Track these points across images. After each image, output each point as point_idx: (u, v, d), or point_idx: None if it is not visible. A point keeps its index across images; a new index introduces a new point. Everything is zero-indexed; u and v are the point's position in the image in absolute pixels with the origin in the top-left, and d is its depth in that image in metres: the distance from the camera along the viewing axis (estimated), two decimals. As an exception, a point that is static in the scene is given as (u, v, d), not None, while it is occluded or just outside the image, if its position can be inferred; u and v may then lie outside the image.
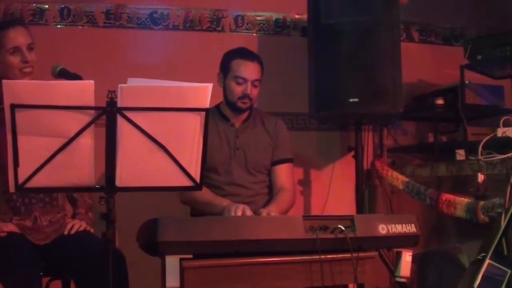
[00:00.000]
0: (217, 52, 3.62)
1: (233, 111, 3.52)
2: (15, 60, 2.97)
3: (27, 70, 2.99)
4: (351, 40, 3.94)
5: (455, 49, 4.85)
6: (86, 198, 3.26)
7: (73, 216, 3.21)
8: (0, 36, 2.98)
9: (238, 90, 3.43)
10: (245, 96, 3.43)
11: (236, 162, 3.49)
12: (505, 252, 3.10)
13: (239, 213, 3.01)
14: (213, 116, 3.51)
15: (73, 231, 3.05)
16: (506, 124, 3.73)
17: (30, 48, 3.02)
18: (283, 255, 2.56)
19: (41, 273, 2.89)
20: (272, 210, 3.20)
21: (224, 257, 2.48)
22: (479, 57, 4.02)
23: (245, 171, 3.51)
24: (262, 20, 4.53)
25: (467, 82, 4.10)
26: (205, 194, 3.33)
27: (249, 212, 3.06)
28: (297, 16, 4.60)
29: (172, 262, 2.39)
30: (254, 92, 3.45)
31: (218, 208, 3.21)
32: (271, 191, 3.61)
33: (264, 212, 3.16)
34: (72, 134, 2.18)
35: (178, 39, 4.31)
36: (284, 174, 3.57)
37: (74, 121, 2.19)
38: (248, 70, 3.43)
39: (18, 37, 2.99)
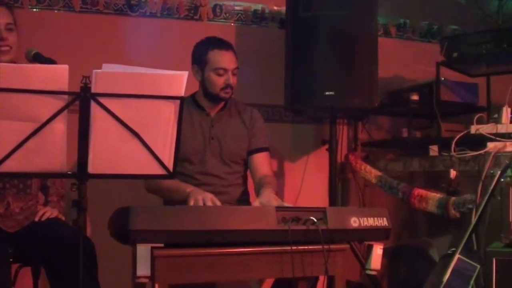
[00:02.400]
0: (194, 41, 3.59)
1: (212, 102, 3.49)
2: None
3: (3, 49, 2.95)
4: (329, 33, 3.95)
5: (432, 46, 4.88)
6: (59, 187, 3.24)
7: (45, 204, 3.18)
8: None
9: (220, 81, 3.39)
10: (227, 86, 3.40)
11: (210, 151, 3.47)
12: (475, 248, 3.14)
13: (209, 203, 2.98)
14: (188, 105, 3.48)
15: (44, 218, 3.03)
16: (479, 122, 3.76)
17: (9, 28, 2.98)
18: (255, 246, 2.56)
19: (11, 260, 2.86)
20: (272, 196, 3.11)
21: (196, 246, 2.47)
22: (455, 54, 4.04)
23: (219, 161, 3.49)
24: (240, 10, 4.52)
25: (443, 79, 4.12)
26: (170, 181, 3.31)
27: (218, 202, 3.04)
28: (275, 8, 4.59)
29: (143, 251, 2.38)
30: (234, 81, 3.43)
31: (181, 194, 3.16)
32: (245, 182, 3.61)
33: (264, 199, 3.08)
34: (44, 119, 2.16)
35: (155, 27, 4.27)
36: (264, 162, 3.55)
37: (47, 106, 2.16)
38: (227, 59, 3.40)
39: None
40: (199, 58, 3.45)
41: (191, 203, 2.99)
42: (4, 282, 2.73)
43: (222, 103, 3.53)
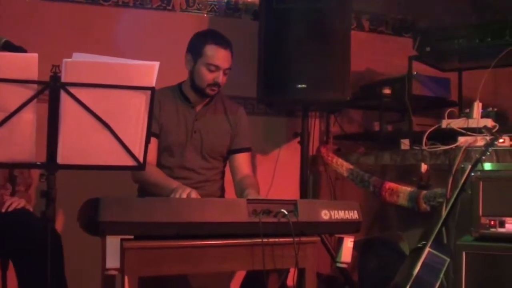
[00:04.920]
0: (166, 31, 3.57)
1: (198, 95, 3.45)
2: None
3: None
4: (302, 26, 3.95)
5: (405, 40, 4.90)
6: (26, 176, 3.20)
7: (12, 194, 3.15)
8: None
9: (209, 77, 3.34)
10: (215, 84, 3.35)
11: (191, 145, 3.44)
12: (445, 241, 3.16)
13: (184, 196, 2.96)
14: (174, 95, 3.46)
15: (10, 209, 2.99)
16: (450, 116, 3.78)
17: None
18: (225, 238, 2.55)
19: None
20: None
21: (166, 239, 2.46)
22: (428, 49, 4.07)
23: (199, 156, 3.46)
24: (214, 1, 4.50)
25: (415, 73, 4.14)
26: (156, 175, 3.29)
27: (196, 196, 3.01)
28: (249, -1, 4.59)
29: (112, 243, 2.35)
30: (224, 80, 3.38)
31: (166, 190, 3.13)
32: (222, 178, 3.61)
33: (252, 192, 3.10)
34: (13, 108, 2.12)
35: (127, 17, 4.23)
36: (246, 162, 3.54)
37: (16, 95, 2.12)
38: (222, 58, 3.34)
39: None
40: (195, 48, 3.39)
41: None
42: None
43: (209, 97, 3.49)
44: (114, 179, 3.37)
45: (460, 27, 3.97)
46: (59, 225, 3.51)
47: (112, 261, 2.35)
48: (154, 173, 3.28)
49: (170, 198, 2.89)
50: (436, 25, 4.44)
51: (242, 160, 3.54)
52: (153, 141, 3.33)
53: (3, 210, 2.98)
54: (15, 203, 3.02)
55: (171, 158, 3.43)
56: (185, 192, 2.97)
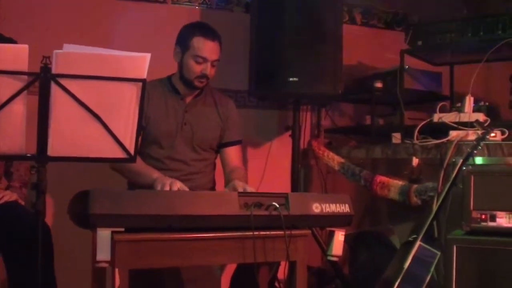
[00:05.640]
0: (157, 24, 3.56)
1: (187, 88, 3.44)
2: None
3: None
4: (294, 19, 3.94)
5: (397, 33, 4.91)
6: (22, 173, 3.19)
7: (7, 189, 3.14)
8: None
9: (196, 69, 3.33)
10: (203, 76, 3.35)
11: (181, 137, 3.43)
12: (436, 235, 3.17)
13: (167, 188, 2.93)
14: (163, 87, 3.46)
15: (2, 201, 2.98)
16: (442, 110, 3.78)
17: None
18: (216, 231, 2.55)
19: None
20: (238, 184, 3.09)
21: (157, 231, 2.45)
22: (420, 42, 4.06)
23: (189, 148, 3.45)
24: (205, -6, 4.49)
25: (407, 67, 4.14)
26: (136, 163, 3.28)
27: (185, 189, 2.99)
28: (241, -8, 4.58)
29: (103, 235, 2.35)
30: (212, 72, 3.38)
31: (147, 179, 3.13)
32: (213, 170, 3.61)
33: (240, 188, 3.06)
34: (3, 100, 2.11)
35: (118, 8, 4.21)
36: (236, 155, 3.55)
37: (6, 87, 2.11)
38: (209, 49, 3.33)
39: None
40: (183, 40, 3.39)
41: (159, 188, 2.95)
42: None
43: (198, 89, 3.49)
44: (105, 171, 3.36)
45: (452, 21, 3.97)
46: (49, 217, 3.50)
47: (103, 253, 2.35)
48: None
49: (161, 191, 2.88)
50: (428, 19, 4.45)
51: (232, 153, 3.55)
52: None
53: (-5, 203, 2.98)
54: (7, 196, 3.01)
55: (160, 150, 3.43)
56: (167, 184, 2.96)
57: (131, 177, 3.32)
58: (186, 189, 2.98)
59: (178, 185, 2.95)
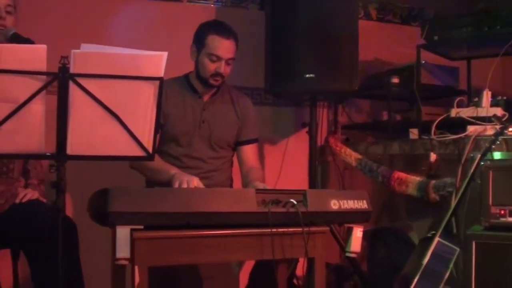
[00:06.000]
0: (174, 22, 3.57)
1: (204, 86, 3.46)
2: None
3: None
4: (309, 15, 3.93)
5: (412, 28, 4.90)
6: (39, 171, 3.22)
7: (26, 187, 3.16)
8: None
9: (211, 67, 3.35)
10: (218, 74, 3.36)
11: (199, 135, 3.45)
12: (455, 231, 3.16)
13: (185, 185, 2.94)
14: (180, 86, 3.47)
15: (25, 200, 3.00)
16: (459, 105, 3.77)
17: (8, 11, 2.92)
18: (234, 228, 2.55)
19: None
20: (267, 187, 3.10)
21: (176, 228, 2.46)
22: (436, 37, 4.05)
23: (207, 146, 3.47)
24: (220, -8, 4.50)
25: (423, 62, 4.13)
26: (154, 161, 3.28)
27: (202, 186, 3.00)
28: (255, -11, 4.58)
29: (122, 233, 2.36)
30: (227, 70, 3.39)
31: (165, 176, 3.15)
32: (230, 167, 3.62)
33: (260, 185, 3.08)
34: (22, 99, 2.12)
35: (135, 8, 4.23)
36: (253, 154, 3.57)
37: (25, 87, 2.12)
38: (224, 48, 3.34)
39: None
40: (198, 39, 3.41)
41: (176, 185, 2.97)
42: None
43: (216, 88, 3.50)
44: (123, 169, 3.38)
45: (469, 15, 3.95)
46: (69, 215, 3.52)
47: (122, 251, 2.36)
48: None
49: (179, 188, 2.88)
50: (444, 13, 4.43)
51: (249, 151, 3.56)
52: None
53: (17, 201, 2.99)
54: (29, 194, 3.03)
55: (178, 147, 3.44)
56: (185, 181, 2.97)
57: (150, 174, 3.34)
58: (202, 185, 3.00)
59: (195, 182, 2.96)
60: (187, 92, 3.48)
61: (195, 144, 3.45)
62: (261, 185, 3.11)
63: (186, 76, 3.52)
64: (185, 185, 2.94)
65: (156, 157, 3.23)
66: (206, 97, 3.49)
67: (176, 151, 3.44)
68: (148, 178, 3.38)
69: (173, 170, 3.17)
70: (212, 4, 4.47)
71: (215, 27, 3.41)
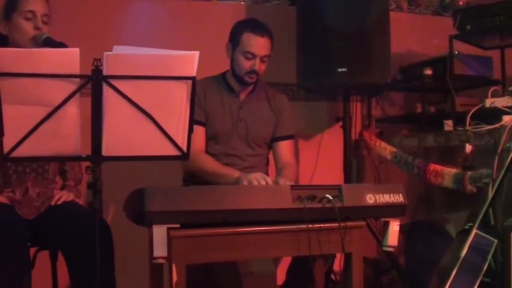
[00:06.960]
0: (204, 21, 3.58)
1: (240, 84, 3.48)
2: (28, 26, 2.88)
3: None
4: (340, 9, 3.92)
5: (444, 19, 4.84)
6: (77, 172, 3.24)
7: (62, 188, 3.19)
8: None
9: (246, 65, 3.37)
10: (252, 71, 3.38)
11: (237, 133, 3.48)
12: (492, 222, 3.12)
13: (263, 182, 2.95)
14: (218, 85, 3.50)
15: (60, 201, 3.03)
16: (494, 95, 3.73)
17: (44, 21, 2.94)
18: (270, 225, 2.56)
19: (29, 244, 2.87)
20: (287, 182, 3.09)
21: (212, 226, 2.47)
22: (468, 27, 4.00)
23: (244, 143, 3.50)
24: (250, -12, 4.50)
25: (456, 52, 4.09)
26: (212, 164, 3.32)
27: (269, 180, 3.00)
28: (286, -15, 4.57)
29: (159, 232, 2.38)
30: (262, 68, 3.41)
31: (229, 179, 3.16)
32: (267, 164, 3.64)
33: (281, 181, 3.08)
34: (57, 102, 2.15)
35: (165, 7, 4.25)
36: (287, 150, 3.57)
37: (59, 90, 2.15)
38: (258, 45, 3.37)
39: (35, 2, 2.92)
40: (233, 37, 3.44)
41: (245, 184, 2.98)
42: (25, 266, 2.74)
43: (252, 86, 3.52)
44: (159, 169, 3.41)
45: (501, 3, 3.90)
46: (106, 215, 3.55)
47: (159, 250, 2.38)
48: (209, 162, 3.33)
49: (214, 186, 2.90)
50: (476, 2, 4.38)
51: (284, 147, 3.56)
52: (201, 129, 3.39)
53: (53, 203, 3.03)
54: (64, 196, 3.06)
55: (217, 145, 3.47)
56: (257, 177, 2.98)
57: (211, 179, 3.29)
58: (269, 180, 3.01)
59: (261, 176, 2.99)
60: (224, 90, 3.50)
61: (233, 142, 3.47)
62: (282, 181, 3.10)
63: (223, 75, 3.54)
64: (255, 183, 2.95)
65: (212, 159, 3.26)
66: (242, 96, 3.52)
67: (214, 149, 3.46)
68: (210, 182, 3.35)
69: (237, 173, 3.18)
70: (242, 1, 4.47)
71: (250, 25, 3.43)
